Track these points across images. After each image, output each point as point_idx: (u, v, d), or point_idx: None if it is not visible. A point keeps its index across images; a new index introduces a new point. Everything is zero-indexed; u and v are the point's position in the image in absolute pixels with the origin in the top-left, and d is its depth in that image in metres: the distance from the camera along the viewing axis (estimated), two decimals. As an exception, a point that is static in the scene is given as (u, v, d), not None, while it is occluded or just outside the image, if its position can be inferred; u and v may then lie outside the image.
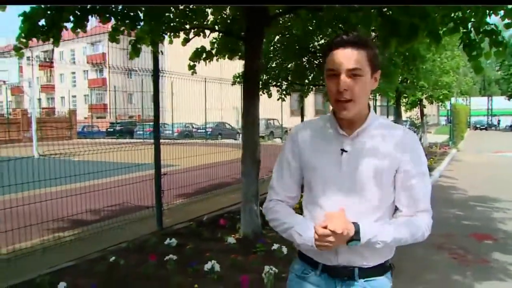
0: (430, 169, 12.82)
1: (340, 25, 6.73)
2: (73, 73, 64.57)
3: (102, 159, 7.65)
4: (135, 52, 4.67)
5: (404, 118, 18.05)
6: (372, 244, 1.62)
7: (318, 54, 9.42)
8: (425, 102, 19.53)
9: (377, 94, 17.49)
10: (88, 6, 4.44)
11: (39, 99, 63.68)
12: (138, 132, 32.85)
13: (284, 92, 10.33)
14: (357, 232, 1.59)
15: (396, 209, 1.76)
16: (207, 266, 4.21)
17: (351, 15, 4.91)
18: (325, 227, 1.56)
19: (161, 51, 5.94)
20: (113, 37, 4.75)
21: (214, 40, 6.68)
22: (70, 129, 38.25)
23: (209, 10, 5.99)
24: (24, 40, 4.43)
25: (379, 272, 1.75)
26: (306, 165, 1.76)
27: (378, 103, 22.26)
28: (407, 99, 17.09)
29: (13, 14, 4.42)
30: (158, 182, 6.40)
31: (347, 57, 1.60)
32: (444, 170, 13.64)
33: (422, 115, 20.28)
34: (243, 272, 4.21)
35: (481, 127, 49.60)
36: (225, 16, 6.05)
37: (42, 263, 4.92)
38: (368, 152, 1.68)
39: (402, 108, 17.24)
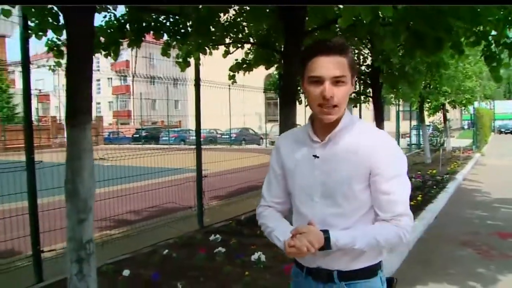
0: (453, 172, 13.07)
1: (368, 37, 7.17)
2: (98, 80, 65.88)
3: (131, 164, 7.95)
4: (185, 64, 5.20)
5: (427, 122, 18.23)
6: (345, 249, 1.64)
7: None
8: (448, 106, 19.66)
9: (400, 100, 17.81)
10: (144, 24, 4.97)
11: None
12: (163, 138, 33.68)
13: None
14: (327, 240, 1.59)
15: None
16: (254, 257, 4.70)
17: (380, 28, 5.35)
18: (293, 245, 1.58)
19: (202, 63, 6.42)
20: (165, 51, 5.29)
21: (248, 51, 7.19)
22: (96, 135, 39.35)
23: (244, 23, 6.50)
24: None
25: (363, 276, 1.74)
26: (287, 172, 1.82)
27: (401, 108, 22.54)
28: (430, 104, 17.26)
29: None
30: (199, 184, 6.90)
31: (331, 65, 1.61)
32: (468, 173, 13.81)
33: (445, 119, 20.41)
34: (285, 263, 4.67)
35: (506, 131, 48.86)
36: (261, 30, 6.54)
37: (101, 255, 5.44)
38: (339, 157, 1.69)
39: (425, 113, 17.43)
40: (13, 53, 48.27)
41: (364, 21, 4.10)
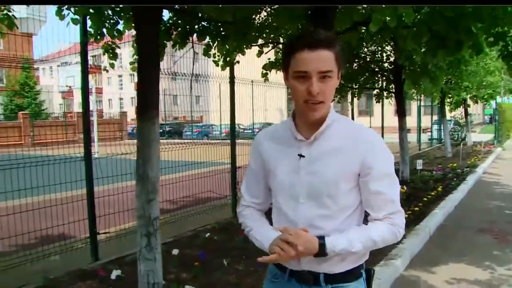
0: (474, 166, 13.35)
1: (392, 35, 7.56)
2: (120, 76, 67.07)
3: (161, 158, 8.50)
4: (225, 64, 5.71)
5: (448, 117, 18.45)
6: (342, 255, 1.60)
7: (368, 60, 10.28)
8: (469, 101, 19.81)
9: (421, 95, 18.05)
10: (187, 27, 5.47)
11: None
12: (186, 133, 34.36)
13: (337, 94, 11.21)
14: (322, 246, 1.55)
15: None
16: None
17: (403, 30, 5.78)
18: (286, 240, 1.54)
19: (237, 61, 6.86)
20: (206, 51, 5.81)
21: (279, 50, 7.65)
22: (121, 131, 40.27)
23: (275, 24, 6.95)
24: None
25: (349, 278, 1.69)
26: (268, 171, 1.75)
27: (422, 103, 22.72)
28: (451, 99, 17.47)
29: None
30: (234, 175, 7.42)
31: (318, 59, 1.53)
32: (488, 167, 14.08)
33: (466, 114, 20.58)
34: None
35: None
36: (292, 30, 7.00)
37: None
38: (326, 156, 1.63)
39: (447, 108, 17.66)
40: (38, 50, 49.21)
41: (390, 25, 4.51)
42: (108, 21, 4.81)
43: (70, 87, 23.96)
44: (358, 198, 1.67)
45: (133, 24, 4.94)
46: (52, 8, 4.67)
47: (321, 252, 1.56)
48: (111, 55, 5.39)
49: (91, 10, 4.44)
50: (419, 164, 10.30)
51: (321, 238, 1.57)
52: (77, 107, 64.31)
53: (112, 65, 5.56)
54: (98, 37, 5.02)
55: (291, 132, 1.69)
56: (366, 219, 1.71)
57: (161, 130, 36.19)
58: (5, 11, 4.29)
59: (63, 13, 4.29)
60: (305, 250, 1.54)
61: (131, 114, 56.08)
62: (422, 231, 6.17)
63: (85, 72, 5.24)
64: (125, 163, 8.20)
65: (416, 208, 7.17)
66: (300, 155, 1.65)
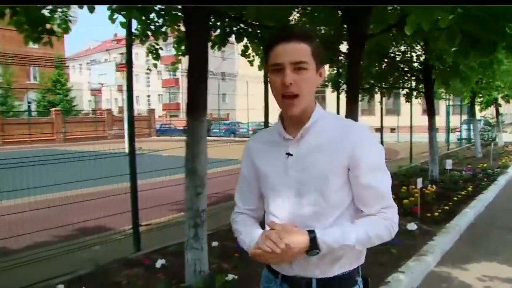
0: (505, 167, 13.25)
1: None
2: (147, 73, 67.94)
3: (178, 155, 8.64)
4: (263, 65, 5.93)
5: (478, 117, 18.29)
6: (335, 250, 1.54)
7: (397, 59, 10.36)
8: (501, 100, 19.57)
9: (451, 94, 17.93)
10: (227, 29, 5.71)
11: (116, 99, 67.73)
12: (213, 130, 34.87)
13: (365, 94, 11.33)
14: (313, 240, 1.50)
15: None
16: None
17: (435, 32, 5.90)
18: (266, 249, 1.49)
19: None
20: (244, 52, 6.04)
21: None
22: (149, 128, 40.99)
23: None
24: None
25: (343, 284, 1.65)
26: (258, 173, 1.72)
27: (451, 103, 22.54)
28: (482, 99, 17.30)
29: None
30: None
31: (291, 50, 1.54)
32: (520, 168, 13.98)
33: (497, 114, 20.35)
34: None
35: None
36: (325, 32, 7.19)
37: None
38: (313, 153, 1.60)
39: (477, 107, 17.52)
40: (68, 49, 50.60)
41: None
42: (153, 24, 5.08)
43: (102, 84, 24.52)
44: (350, 195, 1.63)
45: (177, 26, 5.22)
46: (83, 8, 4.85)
47: (312, 245, 1.50)
48: (155, 55, 5.67)
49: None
50: (449, 164, 10.31)
51: (311, 232, 1.52)
52: (105, 104, 65.73)
53: (155, 65, 5.83)
54: (144, 38, 5.30)
55: (279, 132, 1.68)
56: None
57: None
58: (63, 16, 4.59)
59: (114, 18, 4.54)
60: (292, 244, 1.48)
61: (159, 111, 57.03)
62: (452, 229, 6.28)
63: (130, 72, 5.47)
64: (156, 159, 8.52)
65: (446, 207, 7.26)
66: (288, 154, 1.63)
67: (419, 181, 7.05)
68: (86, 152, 9.38)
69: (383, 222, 1.59)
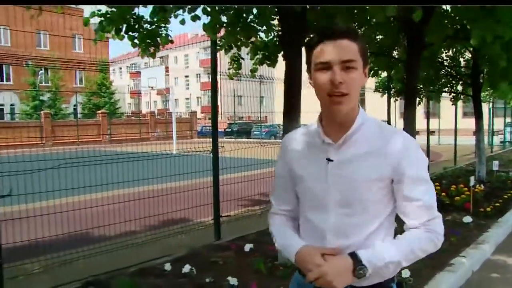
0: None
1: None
2: (187, 76, 69.38)
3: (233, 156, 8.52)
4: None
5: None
6: (380, 269, 1.50)
7: (446, 64, 10.82)
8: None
9: (495, 97, 18.11)
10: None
11: (155, 101, 69.45)
12: (255, 133, 35.53)
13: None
14: (359, 262, 1.47)
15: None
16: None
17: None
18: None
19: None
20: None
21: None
22: (191, 130, 42.13)
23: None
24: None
25: None
26: (295, 175, 1.67)
27: (494, 105, 22.59)
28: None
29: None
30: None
31: (341, 49, 1.48)
32: None
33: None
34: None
35: None
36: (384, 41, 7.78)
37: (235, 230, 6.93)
38: (356, 160, 1.54)
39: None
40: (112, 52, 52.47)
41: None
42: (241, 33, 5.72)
43: (152, 87, 25.61)
44: (391, 205, 1.59)
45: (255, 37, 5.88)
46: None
47: (358, 266, 1.47)
48: (235, 65, 6.37)
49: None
50: (495, 165, 10.65)
51: (354, 257, 1.48)
52: (145, 107, 67.43)
53: (235, 74, 6.51)
54: (227, 47, 5.97)
55: (318, 135, 1.61)
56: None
57: (230, 130, 37.45)
58: (164, 31, 5.35)
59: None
60: (337, 283, 1.46)
61: (198, 113, 58.17)
62: (504, 223, 6.79)
63: (214, 77, 6.12)
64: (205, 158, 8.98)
65: (497, 204, 7.71)
66: (328, 160, 1.57)
67: (472, 178, 7.55)
68: (144, 152, 10.04)
69: (427, 236, 1.56)
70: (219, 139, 6.50)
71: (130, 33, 5.10)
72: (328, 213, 1.58)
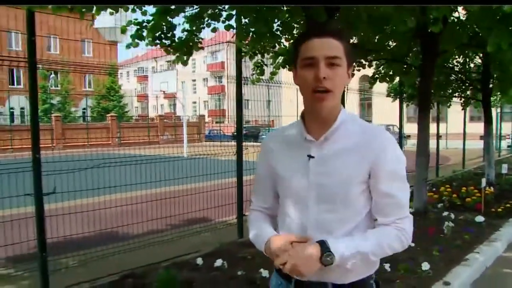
0: None
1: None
2: (194, 80, 69.75)
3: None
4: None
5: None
6: (349, 259, 1.51)
7: (456, 70, 11.11)
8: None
9: (503, 102, 18.35)
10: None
11: (162, 105, 69.84)
12: (263, 136, 35.81)
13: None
14: (326, 248, 1.48)
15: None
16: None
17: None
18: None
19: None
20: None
21: (379, 65, 8.78)
22: (199, 133, 42.42)
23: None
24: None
25: None
26: (275, 173, 1.68)
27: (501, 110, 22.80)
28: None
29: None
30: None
31: (326, 45, 1.51)
32: None
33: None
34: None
35: None
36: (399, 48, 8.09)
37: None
38: (337, 157, 1.56)
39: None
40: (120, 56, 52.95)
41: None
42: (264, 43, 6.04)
43: (163, 91, 25.98)
44: (370, 201, 1.61)
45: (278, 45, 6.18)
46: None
47: (325, 252, 1.48)
48: (258, 71, 6.70)
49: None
50: (504, 169, 10.87)
51: (322, 243, 1.50)
52: (152, 110, 67.81)
53: (258, 80, 6.84)
54: (251, 53, 6.29)
55: (300, 132, 1.63)
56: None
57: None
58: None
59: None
60: (302, 264, 1.49)
61: (205, 117, 58.51)
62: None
63: (239, 83, 6.39)
64: (221, 162, 9.17)
65: (508, 205, 8.00)
66: (310, 156, 1.59)
67: (484, 180, 7.83)
68: (155, 155, 10.17)
69: (396, 233, 1.58)
70: (227, 142, 6.72)
71: (164, 40, 5.42)
72: (309, 209, 1.59)
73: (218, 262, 4.93)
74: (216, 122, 58.51)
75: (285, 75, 7.20)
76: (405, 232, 1.59)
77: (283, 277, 1.68)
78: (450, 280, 4.56)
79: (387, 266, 4.51)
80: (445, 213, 7.11)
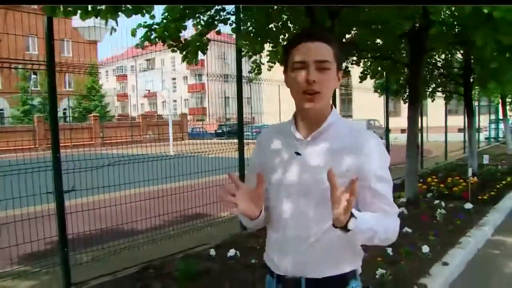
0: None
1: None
2: (174, 79, 69.44)
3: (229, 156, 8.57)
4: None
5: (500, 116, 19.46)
6: (363, 233, 1.51)
7: (438, 65, 11.58)
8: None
9: (479, 95, 18.96)
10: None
11: (142, 104, 69.59)
12: (246, 133, 35.94)
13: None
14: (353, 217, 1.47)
15: None
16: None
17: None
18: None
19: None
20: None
21: (369, 62, 9.17)
22: (182, 132, 42.44)
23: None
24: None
25: (333, 285, 1.63)
26: (266, 169, 1.72)
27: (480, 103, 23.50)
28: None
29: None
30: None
31: (316, 49, 1.56)
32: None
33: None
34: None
35: None
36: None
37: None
38: (322, 156, 1.61)
39: (508, 107, 18.61)
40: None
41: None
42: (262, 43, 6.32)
43: (149, 91, 26.08)
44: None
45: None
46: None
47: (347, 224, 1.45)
48: (256, 70, 7.00)
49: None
50: (486, 159, 11.25)
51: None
52: (132, 109, 67.38)
53: (255, 79, 7.13)
54: (250, 53, 6.56)
55: (291, 131, 1.69)
56: None
57: (221, 131, 37.75)
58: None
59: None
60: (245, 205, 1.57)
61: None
62: (501, 208, 7.59)
63: (240, 82, 6.65)
64: (212, 159, 9.32)
65: (492, 193, 8.49)
66: (297, 153, 1.65)
67: (470, 170, 8.31)
68: (140, 154, 10.08)
69: (391, 223, 1.62)
70: (210, 140, 6.88)
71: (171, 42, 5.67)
72: (293, 204, 1.64)
73: (231, 252, 5.23)
74: (197, 120, 58.60)
75: (265, 72, 7.33)
76: (398, 223, 1.67)
77: (269, 273, 1.76)
78: (448, 260, 5.00)
79: (389, 250, 4.87)
80: (436, 202, 7.59)
